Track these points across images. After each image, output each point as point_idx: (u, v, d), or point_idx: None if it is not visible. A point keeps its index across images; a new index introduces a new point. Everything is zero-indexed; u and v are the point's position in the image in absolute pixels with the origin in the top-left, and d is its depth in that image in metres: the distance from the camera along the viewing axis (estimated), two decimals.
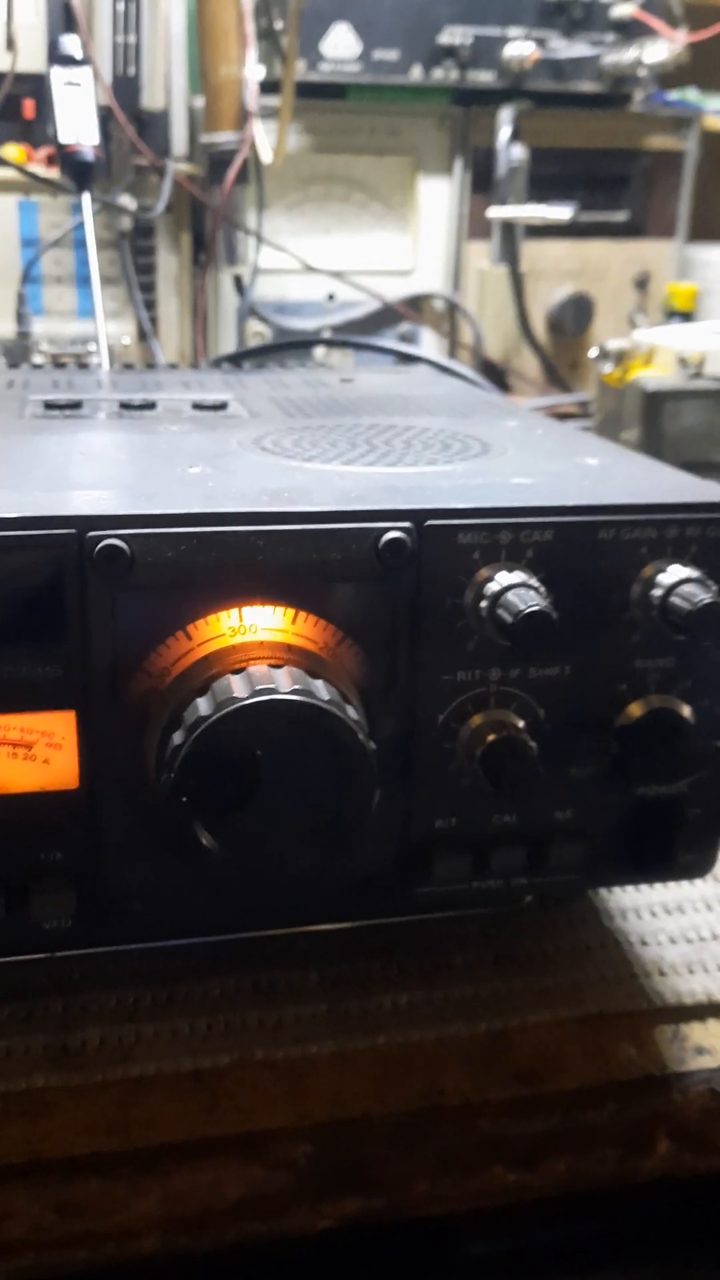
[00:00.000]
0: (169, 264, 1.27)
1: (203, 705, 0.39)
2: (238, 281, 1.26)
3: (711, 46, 1.31)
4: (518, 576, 0.42)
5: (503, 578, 0.42)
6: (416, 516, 0.43)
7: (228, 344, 1.29)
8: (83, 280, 1.24)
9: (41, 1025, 0.49)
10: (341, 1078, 0.48)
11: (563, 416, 1.24)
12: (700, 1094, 0.49)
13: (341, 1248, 0.52)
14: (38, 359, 1.19)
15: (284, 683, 0.39)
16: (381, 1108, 0.47)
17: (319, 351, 1.29)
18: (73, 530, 0.40)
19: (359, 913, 0.48)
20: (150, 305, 1.26)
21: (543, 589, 0.42)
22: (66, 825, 0.43)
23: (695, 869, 0.50)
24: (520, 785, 0.44)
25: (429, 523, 0.43)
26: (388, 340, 1.31)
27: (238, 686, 0.39)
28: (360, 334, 1.33)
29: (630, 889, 0.59)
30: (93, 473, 0.49)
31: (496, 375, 1.34)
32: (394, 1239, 0.53)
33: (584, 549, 0.44)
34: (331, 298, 1.32)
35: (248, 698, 0.38)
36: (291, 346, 1.22)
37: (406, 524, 0.42)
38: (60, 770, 0.43)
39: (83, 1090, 0.47)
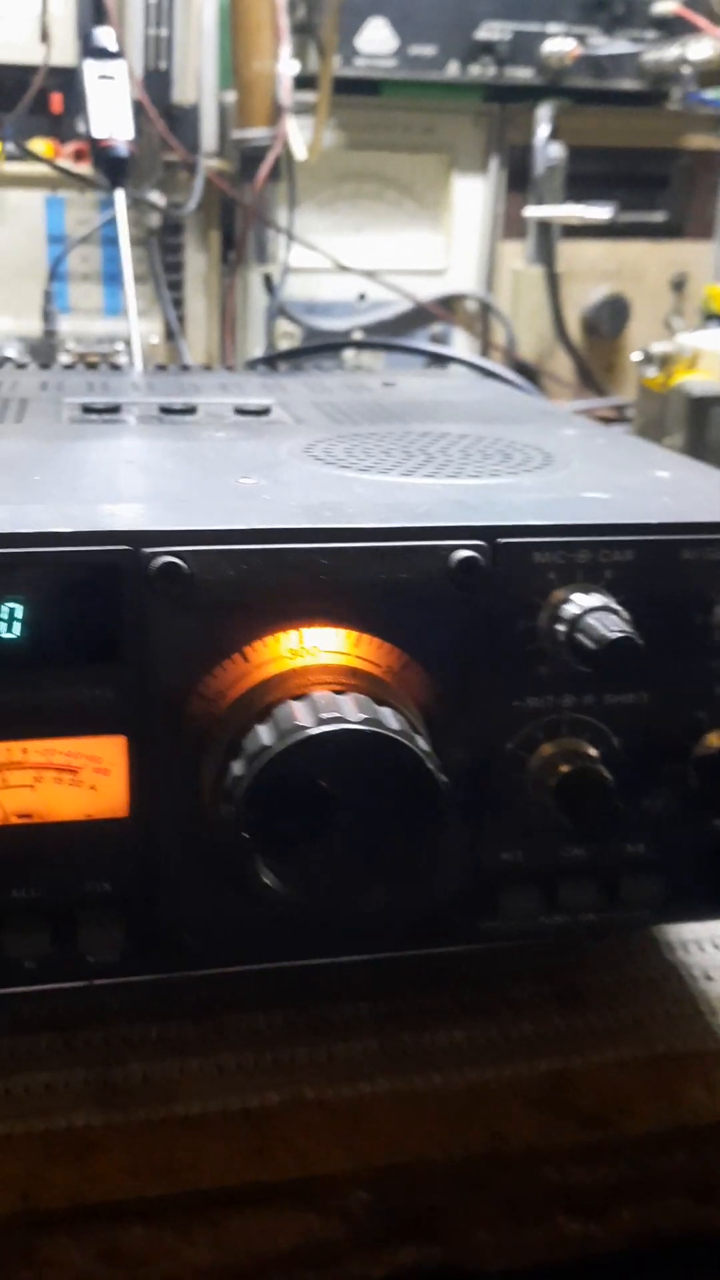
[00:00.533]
0: (197, 262, 1.24)
1: (264, 734, 0.37)
2: (267, 280, 1.24)
3: None
4: (597, 599, 0.40)
5: (581, 600, 0.40)
6: (489, 534, 0.40)
7: (256, 344, 1.26)
8: (109, 278, 1.21)
9: (82, 1058, 0.47)
10: (398, 1119, 0.46)
11: (599, 420, 1.21)
12: None
13: None
14: (65, 358, 1.17)
15: (351, 710, 0.37)
16: (440, 1153, 0.45)
17: (347, 352, 1.26)
18: (129, 546, 0.38)
19: (420, 946, 0.46)
20: (178, 304, 1.24)
21: (624, 612, 0.40)
22: (115, 855, 0.41)
23: None
24: (597, 819, 0.41)
25: (502, 540, 0.40)
26: (422, 341, 1.29)
27: (301, 714, 0.37)
28: (391, 334, 1.30)
29: None
30: (142, 483, 0.46)
31: (530, 377, 1.31)
32: None
33: (665, 570, 0.41)
34: (362, 297, 1.30)
35: (314, 727, 0.36)
36: (328, 349, 1.20)
37: (479, 541, 0.40)
38: (108, 797, 0.41)
39: (127, 1129, 0.44)
